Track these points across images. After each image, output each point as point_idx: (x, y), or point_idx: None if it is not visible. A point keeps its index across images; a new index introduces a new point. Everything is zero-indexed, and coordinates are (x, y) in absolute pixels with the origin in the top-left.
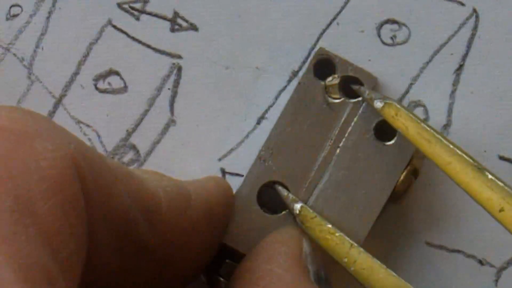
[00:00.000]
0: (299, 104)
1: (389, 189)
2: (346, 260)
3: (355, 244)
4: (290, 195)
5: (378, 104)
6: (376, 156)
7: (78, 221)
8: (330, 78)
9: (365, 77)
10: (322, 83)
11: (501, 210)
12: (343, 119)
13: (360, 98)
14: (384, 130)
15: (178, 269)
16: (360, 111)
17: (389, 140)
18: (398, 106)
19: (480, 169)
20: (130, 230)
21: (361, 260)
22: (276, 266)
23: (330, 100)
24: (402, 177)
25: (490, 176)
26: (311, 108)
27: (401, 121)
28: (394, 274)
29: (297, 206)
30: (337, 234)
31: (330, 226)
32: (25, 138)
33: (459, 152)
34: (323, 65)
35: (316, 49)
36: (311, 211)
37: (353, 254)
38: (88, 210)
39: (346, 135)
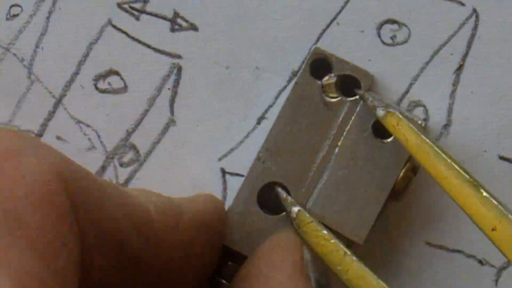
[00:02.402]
0: (296, 104)
1: (388, 187)
2: (339, 268)
3: (349, 252)
4: (289, 198)
5: (380, 112)
6: (374, 154)
7: (69, 232)
8: (326, 77)
9: (362, 75)
10: (319, 82)
11: (494, 229)
12: (340, 118)
13: (357, 97)
14: (382, 128)
15: (175, 282)
16: (357, 110)
17: (388, 138)
18: (400, 116)
19: (476, 185)
20: (124, 244)
21: (354, 269)
22: (279, 272)
23: (327, 99)
24: (401, 174)
25: (485, 194)
26: (308, 108)
27: (402, 131)
28: (386, 286)
29: (295, 209)
30: (332, 241)
31: (325, 232)
32: (10, 155)
33: (456, 167)
34: (320, 64)
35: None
36: (308, 215)
37: (346, 262)
38: (78, 223)
39: (344, 133)
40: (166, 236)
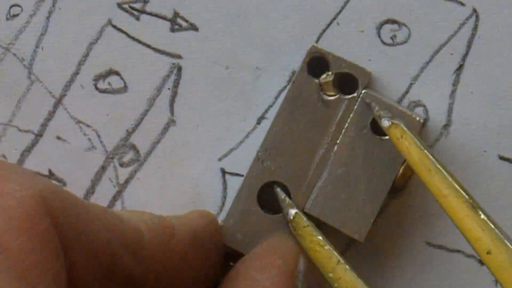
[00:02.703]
0: (294, 103)
1: (388, 183)
2: (331, 275)
3: (342, 261)
4: (287, 199)
5: (385, 122)
6: (374, 150)
7: (53, 255)
8: (324, 76)
9: (359, 72)
10: (316, 80)
11: (489, 252)
12: (339, 115)
13: (355, 94)
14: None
15: None
16: (355, 107)
17: (386, 134)
18: (405, 128)
19: (474, 207)
20: (115, 264)
21: (345, 278)
22: (266, 278)
23: (325, 97)
24: (401, 170)
25: (482, 216)
26: (306, 106)
27: (405, 144)
28: None
29: (292, 212)
30: (326, 248)
31: (320, 238)
32: None
33: (456, 186)
34: (317, 62)
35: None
36: (304, 219)
37: (339, 270)
38: (64, 245)
39: (343, 131)
40: (158, 254)
